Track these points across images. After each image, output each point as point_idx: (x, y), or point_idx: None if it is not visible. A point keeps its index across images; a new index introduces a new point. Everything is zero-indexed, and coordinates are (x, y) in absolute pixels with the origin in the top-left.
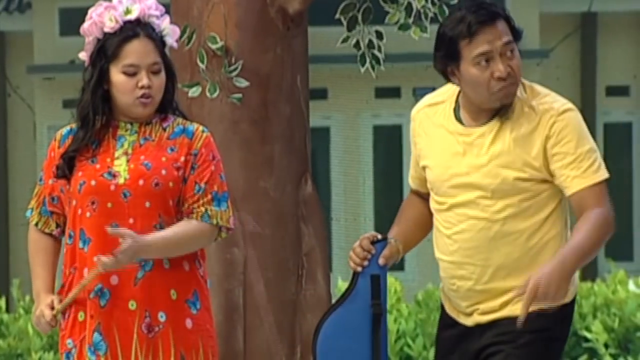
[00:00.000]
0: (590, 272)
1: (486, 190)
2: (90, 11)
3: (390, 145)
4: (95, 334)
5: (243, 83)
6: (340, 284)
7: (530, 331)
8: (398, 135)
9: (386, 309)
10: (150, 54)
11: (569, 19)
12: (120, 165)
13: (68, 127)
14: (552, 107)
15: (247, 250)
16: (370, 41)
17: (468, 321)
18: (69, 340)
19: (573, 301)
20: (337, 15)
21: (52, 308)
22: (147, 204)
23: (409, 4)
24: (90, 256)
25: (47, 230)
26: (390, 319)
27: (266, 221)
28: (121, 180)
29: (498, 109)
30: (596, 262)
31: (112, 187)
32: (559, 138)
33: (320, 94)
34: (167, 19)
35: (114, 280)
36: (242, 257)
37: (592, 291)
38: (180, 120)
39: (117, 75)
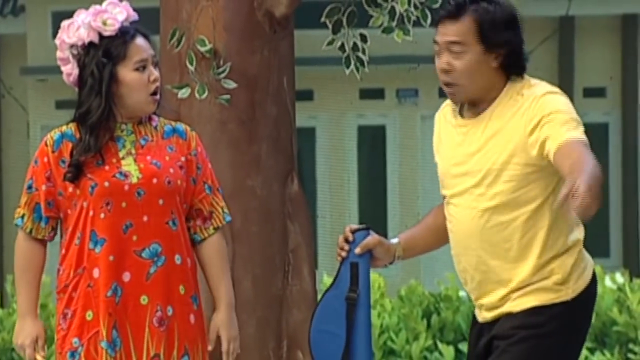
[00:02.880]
0: None
1: (477, 177)
2: (69, 22)
3: (374, 145)
4: (113, 331)
5: (231, 84)
6: (326, 280)
7: (525, 327)
8: (382, 135)
9: (367, 296)
10: (149, 48)
11: (547, 22)
12: (129, 165)
13: (58, 132)
14: (536, 91)
15: (235, 247)
16: (355, 44)
17: (480, 317)
18: (75, 340)
19: (577, 300)
20: (323, 19)
21: (36, 349)
22: (161, 202)
23: (392, 8)
24: (103, 256)
25: (39, 237)
26: (374, 313)
27: (253, 219)
28: (134, 180)
29: (488, 101)
30: None
31: (126, 187)
32: (539, 113)
33: (306, 95)
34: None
35: (126, 277)
36: (230, 254)
37: None
38: (162, 119)
39: (129, 74)
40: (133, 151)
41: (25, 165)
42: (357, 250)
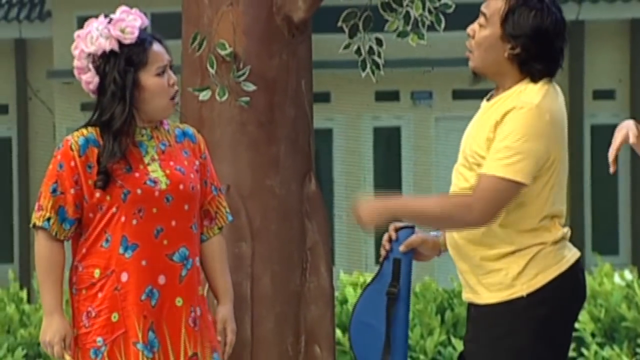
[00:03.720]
0: None
1: (461, 157)
2: (85, 32)
3: (389, 146)
4: (150, 333)
5: (250, 87)
6: (342, 277)
7: (489, 328)
8: (397, 136)
9: (407, 292)
10: (165, 52)
11: None
12: (156, 172)
13: (81, 136)
14: (519, 99)
15: (254, 245)
16: (371, 47)
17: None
18: (98, 339)
19: (535, 296)
20: (340, 23)
21: (64, 346)
22: (186, 207)
23: (407, 12)
24: (134, 261)
25: (61, 238)
26: None
27: (272, 217)
28: (163, 186)
29: (503, 89)
30: (583, 256)
31: (157, 193)
32: (502, 125)
33: (324, 98)
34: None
35: (162, 280)
36: (249, 251)
37: None
38: (170, 122)
39: (150, 80)
40: (156, 157)
41: None
42: (402, 248)
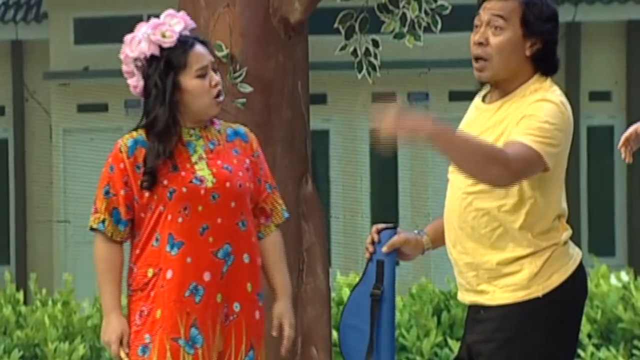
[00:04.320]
0: None
1: None
2: (131, 36)
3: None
4: (192, 329)
5: (247, 88)
6: (339, 278)
7: (502, 329)
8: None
9: (392, 293)
10: (208, 54)
11: None
12: (203, 170)
13: (130, 138)
14: (538, 94)
15: None
16: (367, 49)
17: (459, 295)
18: (147, 335)
19: (550, 296)
20: (336, 25)
21: (121, 344)
22: (233, 204)
23: (404, 14)
24: (179, 259)
25: (118, 239)
26: None
27: None
28: (209, 184)
29: (508, 91)
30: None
31: (202, 192)
32: (534, 111)
33: (320, 99)
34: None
35: (207, 277)
36: None
37: None
38: (223, 123)
39: (191, 82)
40: (204, 156)
41: (48, 169)
42: (384, 249)
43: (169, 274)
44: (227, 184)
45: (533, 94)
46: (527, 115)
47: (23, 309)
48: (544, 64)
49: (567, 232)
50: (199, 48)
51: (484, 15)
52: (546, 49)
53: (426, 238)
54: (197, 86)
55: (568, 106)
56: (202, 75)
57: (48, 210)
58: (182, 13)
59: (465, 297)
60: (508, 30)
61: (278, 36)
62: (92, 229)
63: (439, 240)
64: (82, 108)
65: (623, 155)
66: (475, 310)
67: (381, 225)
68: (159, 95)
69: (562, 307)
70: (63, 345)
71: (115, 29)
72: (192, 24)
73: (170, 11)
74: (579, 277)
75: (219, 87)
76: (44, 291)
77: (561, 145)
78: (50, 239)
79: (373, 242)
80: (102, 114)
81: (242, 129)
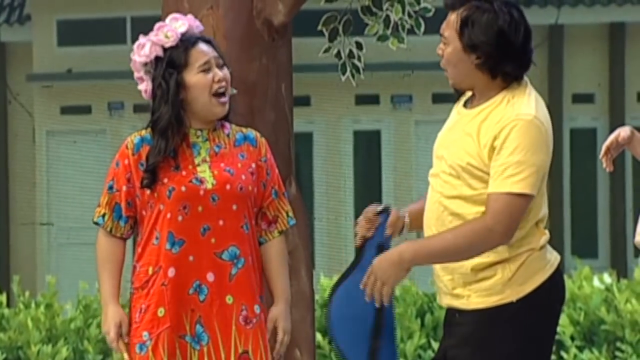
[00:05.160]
0: None
1: (447, 164)
2: (137, 43)
3: (369, 149)
4: (197, 326)
5: (231, 91)
6: (323, 280)
7: (476, 335)
8: (377, 140)
9: None
10: (212, 51)
11: (537, 30)
12: (204, 172)
13: (138, 136)
14: (514, 111)
15: None
16: (351, 51)
17: (437, 298)
18: (145, 333)
19: (524, 301)
20: (320, 27)
21: (120, 333)
22: (234, 207)
23: (387, 16)
24: (181, 257)
25: (118, 235)
26: None
27: None
28: (209, 186)
29: (485, 97)
30: (562, 259)
31: (201, 192)
32: (502, 139)
33: (304, 101)
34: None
35: (211, 277)
36: None
37: None
38: (234, 127)
39: (193, 78)
40: (208, 158)
41: (31, 170)
42: (388, 231)
43: (171, 272)
44: (228, 187)
45: (508, 107)
46: (504, 145)
47: (6, 311)
48: (496, 73)
49: (545, 237)
50: (201, 46)
51: (442, 30)
52: (491, 59)
53: (407, 220)
54: (199, 81)
55: (543, 116)
56: (205, 71)
57: (31, 212)
58: (190, 16)
59: (443, 300)
60: (450, 44)
61: (262, 38)
62: (94, 222)
63: (417, 224)
64: (66, 110)
65: (604, 165)
66: (451, 313)
67: (376, 208)
68: (163, 94)
69: (537, 312)
70: (46, 347)
71: (99, 31)
72: (197, 26)
73: (176, 15)
74: (555, 282)
75: (223, 84)
76: (27, 293)
77: (542, 164)
78: (34, 241)
79: (370, 227)
80: (86, 116)
81: (253, 133)
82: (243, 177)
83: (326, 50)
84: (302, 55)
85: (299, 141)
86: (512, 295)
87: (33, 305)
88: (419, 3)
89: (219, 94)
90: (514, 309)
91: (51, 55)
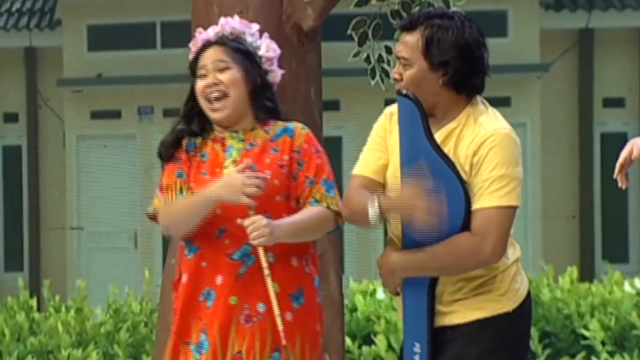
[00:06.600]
0: (587, 274)
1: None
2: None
3: None
4: (202, 334)
5: None
6: (352, 285)
7: (476, 344)
8: None
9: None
10: (217, 54)
11: (568, 34)
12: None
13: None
14: (489, 126)
15: None
16: (380, 55)
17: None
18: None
19: (517, 311)
20: (349, 31)
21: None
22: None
23: None
24: (194, 263)
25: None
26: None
27: None
28: None
29: (447, 117)
30: (593, 264)
31: None
32: (483, 155)
33: (333, 105)
34: (257, 34)
35: (219, 280)
36: None
37: (589, 292)
38: (280, 122)
39: (196, 84)
40: (237, 158)
41: (62, 175)
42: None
43: (184, 279)
44: None
45: (478, 125)
46: (485, 160)
47: (36, 315)
48: (463, 88)
49: (519, 247)
50: (209, 50)
51: (395, 51)
52: (459, 74)
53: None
54: (197, 87)
55: (511, 128)
56: (201, 77)
57: (61, 217)
58: (236, 17)
59: (437, 320)
60: (414, 66)
61: (291, 43)
62: (150, 215)
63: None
64: (95, 115)
65: (620, 183)
66: (442, 333)
67: None
68: (190, 98)
69: (525, 321)
70: (76, 351)
71: (129, 36)
72: (231, 27)
73: (222, 20)
74: (529, 295)
75: (211, 89)
76: (57, 298)
77: (520, 176)
78: (64, 246)
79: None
80: (115, 121)
81: (293, 124)
82: (267, 171)
83: (355, 55)
84: (332, 59)
85: (328, 145)
86: (508, 305)
87: (63, 309)
88: (448, 7)
89: (209, 100)
90: (509, 319)
91: (81, 60)
